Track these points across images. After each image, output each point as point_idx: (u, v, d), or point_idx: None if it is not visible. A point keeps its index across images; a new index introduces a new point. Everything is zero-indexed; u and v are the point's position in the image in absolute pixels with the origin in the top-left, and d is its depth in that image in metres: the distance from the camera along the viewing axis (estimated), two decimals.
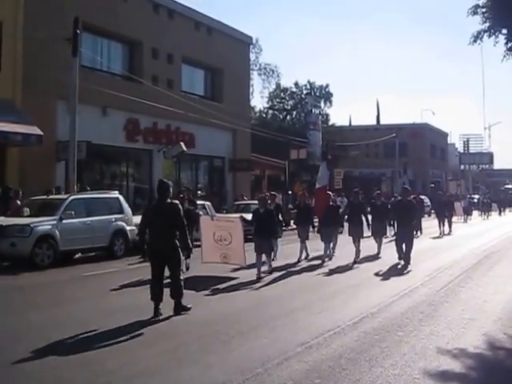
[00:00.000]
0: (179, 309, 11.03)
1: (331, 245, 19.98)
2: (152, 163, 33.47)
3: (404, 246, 18.14)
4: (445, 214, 32.42)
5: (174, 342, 9.07)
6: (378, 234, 20.94)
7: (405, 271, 16.99)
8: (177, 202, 11.79)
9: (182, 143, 33.29)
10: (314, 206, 20.82)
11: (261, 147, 44.62)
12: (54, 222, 18.91)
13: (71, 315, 11.17)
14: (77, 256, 20.44)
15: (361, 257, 19.41)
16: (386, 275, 16.26)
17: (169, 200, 11.47)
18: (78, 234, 19.35)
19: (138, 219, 22.54)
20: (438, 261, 19.15)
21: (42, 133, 24.29)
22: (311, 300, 12.56)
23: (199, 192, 35.77)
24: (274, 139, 45.62)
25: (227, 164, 39.71)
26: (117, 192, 22.86)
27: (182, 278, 11.35)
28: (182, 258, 11.87)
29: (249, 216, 17.16)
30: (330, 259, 19.35)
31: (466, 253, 21.90)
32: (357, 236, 19.65)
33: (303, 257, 19.71)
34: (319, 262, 18.98)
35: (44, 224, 18.70)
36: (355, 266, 18.33)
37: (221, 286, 14.32)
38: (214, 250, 16.55)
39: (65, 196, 20.98)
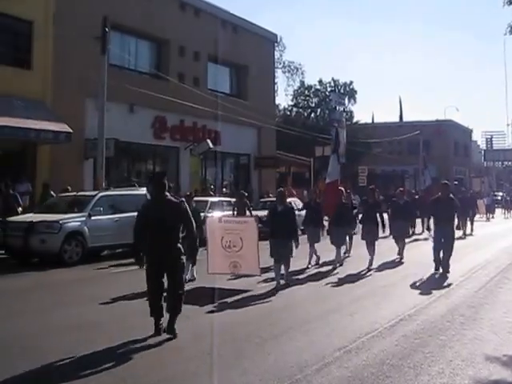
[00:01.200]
0: (172, 327, 8.91)
1: (344, 248, 18.08)
2: (179, 160, 33.15)
3: (442, 252, 15.46)
4: (468, 212, 28.36)
5: (205, 346, 8.53)
6: (401, 236, 18.84)
7: (437, 273, 16.23)
8: (181, 198, 10.06)
9: (208, 140, 32.91)
10: (324, 203, 18.22)
11: (286, 144, 44.09)
12: (83, 218, 18.56)
13: (100, 313, 10.72)
14: (104, 253, 20.06)
15: (381, 261, 17.39)
16: (417, 276, 15.25)
17: (168, 194, 9.24)
18: (106, 231, 18.94)
19: None
20: (470, 261, 18.02)
21: (71, 130, 24.09)
22: (341, 302, 11.95)
23: (224, 189, 35.34)
24: (299, 136, 45.10)
25: (253, 161, 39.24)
26: (145, 189, 22.46)
27: (184, 290, 9.27)
28: (187, 265, 10.23)
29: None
30: (341, 265, 16.79)
31: (496, 252, 20.92)
32: (370, 240, 17.01)
33: (313, 262, 17.12)
34: (331, 267, 16.65)
35: (73, 221, 18.36)
36: (369, 273, 15.75)
37: (231, 299, 12.08)
38: (222, 259, 13.61)
39: (93, 193, 20.66)
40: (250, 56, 37.86)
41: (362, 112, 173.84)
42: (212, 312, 10.76)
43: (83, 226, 18.39)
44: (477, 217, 33.40)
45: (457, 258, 17.41)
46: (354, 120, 65.94)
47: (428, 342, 8.71)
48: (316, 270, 16.48)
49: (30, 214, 19.59)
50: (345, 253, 18.63)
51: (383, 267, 16.81)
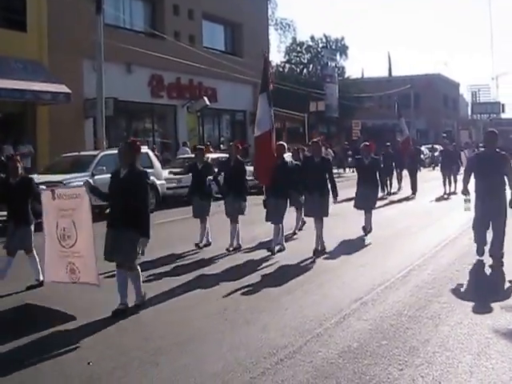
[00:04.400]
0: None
1: (282, 228, 12.19)
2: (176, 118, 32.80)
3: (492, 229, 10.29)
4: (451, 167, 23.92)
5: (221, 302, 8.35)
6: (366, 207, 14.12)
7: (440, 221, 16.08)
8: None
9: (205, 98, 32.48)
10: (255, 166, 13.07)
11: (280, 100, 43.43)
12: (86, 178, 18.22)
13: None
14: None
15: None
16: (418, 227, 15.19)
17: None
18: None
19: (166, 174, 22.36)
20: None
21: (69, 91, 23.63)
22: (350, 253, 11.77)
23: (221, 146, 34.98)
24: (292, 92, 44.58)
25: (248, 117, 38.76)
26: (146, 147, 22.17)
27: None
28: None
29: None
30: (274, 252, 11.69)
31: None
32: (367, 207, 13.98)
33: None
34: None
35: (76, 180, 18.03)
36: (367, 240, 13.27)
37: (243, 260, 11.21)
38: (57, 259, 8.78)
39: (95, 152, 20.35)
40: (243, 13, 37.14)
41: (353, 68, 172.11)
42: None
43: None
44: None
45: (446, 212, 17.27)
46: (346, 75, 65.19)
47: (442, 291, 8.54)
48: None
49: (34, 175, 19.25)
50: (294, 232, 14.43)
51: (388, 213, 16.79)
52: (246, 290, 8.92)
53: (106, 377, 5.72)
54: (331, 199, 12.06)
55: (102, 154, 19.55)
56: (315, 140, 12.91)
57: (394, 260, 10.93)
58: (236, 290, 8.87)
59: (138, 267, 8.10)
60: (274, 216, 11.88)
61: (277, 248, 11.81)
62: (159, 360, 6.13)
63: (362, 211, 14.10)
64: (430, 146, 52.45)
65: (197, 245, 12.59)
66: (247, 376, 5.61)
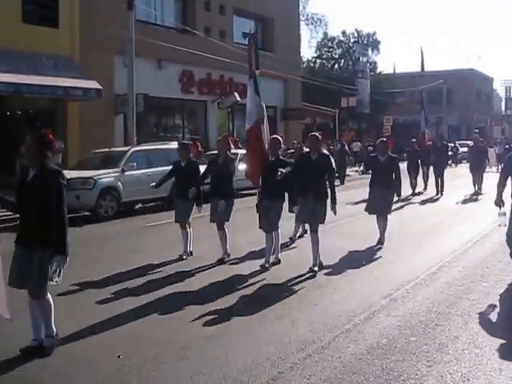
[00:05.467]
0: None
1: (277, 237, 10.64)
2: (207, 114, 32.93)
3: None
4: (478, 165, 22.20)
5: (250, 297, 8.43)
6: (381, 211, 12.38)
7: (469, 219, 16.00)
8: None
9: (235, 93, 32.56)
10: (247, 165, 11.36)
11: (311, 96, 43.53)
12: (117, 173, 18.47)
13: (142, 265, 10.59)
14: (137, 206, 19.98)
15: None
16: (447, 224, 15.14)
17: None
18: (139, 185, 18.76)
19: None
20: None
21: (100, 87, 23.85)
22: (378, 251, 11.71)
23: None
24: (323, 88, 44.54)
25: (279, 113, 38.88)
26: (176, 143, 22.33)
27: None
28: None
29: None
30: (274, 264, 10.34)
31: None
32: (381, 212, 12.31)
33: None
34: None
35: (107, 176, 18.28)
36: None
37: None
38: None
39: (126, 148, 20.56)
40: (274, 8, 37.16)
41: (385, 63, 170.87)
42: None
43: (117, 182, 18.32)
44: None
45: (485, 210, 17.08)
46: (378, 71, 64.90)
47: (472, 288, 8.53)
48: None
49: (65, 171, 19.49)
50: (291, 239, 12.69)
51: (417, 211, 16.69)
52: (276, 285, 8.97)
53: (136, 370, 5.81)
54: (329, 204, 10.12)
55: (133, 150, 19.77)
56: (314, 133, 10.63)
57: (424, 257, 10.90)
58: (266, 286, 8.92)
59: (49, 296, 6.34)
60: (266, 222, 10.33)
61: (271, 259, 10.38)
62: (188, 354, 6.21)
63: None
64: (460, 142, 51.82)
65: (181, 256, 11.19)
66: (275, 371, 5.67)
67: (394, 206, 15.38)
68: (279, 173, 9.79)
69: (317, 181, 9.99)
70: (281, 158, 10.62)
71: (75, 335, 6.85)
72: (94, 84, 23.79)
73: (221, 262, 10.73)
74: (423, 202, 20.37)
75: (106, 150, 20.31)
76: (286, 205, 10.53)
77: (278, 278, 9.37)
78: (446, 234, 13.63)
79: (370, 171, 13.43)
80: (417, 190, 22.68)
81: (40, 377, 5.76)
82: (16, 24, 22.36)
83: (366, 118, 56.02)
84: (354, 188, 23.42)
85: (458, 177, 27.41)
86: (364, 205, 12.86)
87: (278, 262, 10.47)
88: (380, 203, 12.19)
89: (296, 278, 9.41)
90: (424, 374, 5.50)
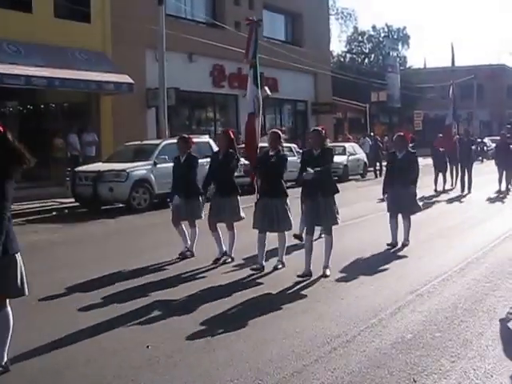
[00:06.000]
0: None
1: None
2: (238, 108, 33.02)
3: None
4: (505, 162, 21.19)
5: (275, 290, 8.44)
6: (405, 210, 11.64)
7: (497, 216, 15.87)
8: None
9: (266, 88, 32.50)
10: (247, 157, 11.57)
11: (341, 90, 43.42)
12: (149, 166, 18.67)
13: (171, 258, 10.70)
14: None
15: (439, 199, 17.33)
16: (475, 220, 15.07)
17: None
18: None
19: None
20: None
21: (132, 81, 24.07)
22: (406, 247, 11.62)
23: (283, 135, 35.07)
24: (354, 82, 44.41)
25: (310, 107, 38.89)
26: (207, 136, 22.53)
27: None
28: None
29: None
30: (276, 268, 9.69)
31: None
32: (407, 211, 11.60)
33: None
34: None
35: (139, 169, 18.49)
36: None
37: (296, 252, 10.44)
38: None
39: (158, 141, 20.74)
40: (304, 3, 37.16)
41: (415, 57, 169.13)
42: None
43: (149, 174, 18.53)
44: None
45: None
46: (408, 65, 64.40)
47: (499, 285, 8.48)
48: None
49: (98, 164, 19.80)
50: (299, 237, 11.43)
51: (443, 210, 16.52)
52: (302, 280, 8.97)
53: (164, 360, 5.90)
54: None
55: (165, 143, 19.89)
56: (316, 128, 9.92)
57: (452, 253, 10.86)
58: (292, 281, 8.97)
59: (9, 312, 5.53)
60: (261, 221, 9.57)
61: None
62: (216, 345, 6.29)
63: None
64: (491, 138, 51.21)
65: (182, 254, 10.79)
66: (300, 363, 5.72)
67: (423, 205, 15.35)
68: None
69: (323, 179, 9.13)
70: (281, 154, 9.71)
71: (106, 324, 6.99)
72: (125, 78, 24.02)
73: (218, 261, 10.26)
74: (450, 199, 19.98)
75: (138, 142, 20.51)
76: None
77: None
78: (474, 231, 13.55)
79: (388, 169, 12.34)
80: (445, 187, 22.15)
81: None
82: (49, 19, 22.66)
83: (397, 112, 55.65)
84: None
85: (486, 173, 27.03)
86: None
87: (278, 266, 9.71)
88: (403, 202, 11.41)
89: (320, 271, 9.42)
90: (447, 370, 5.52)
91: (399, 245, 11.43)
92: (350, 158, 29.19)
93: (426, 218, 14.25)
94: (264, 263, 9.59)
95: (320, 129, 9.62)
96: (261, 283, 8.88)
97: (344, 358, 5.84)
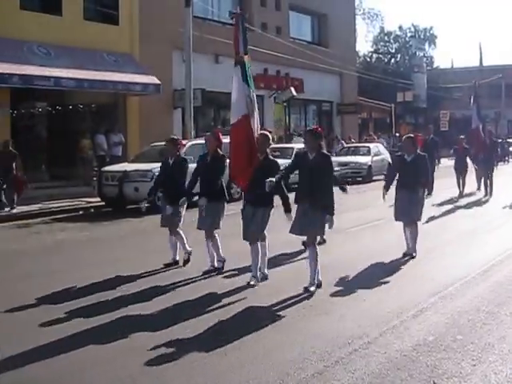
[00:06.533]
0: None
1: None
2: (263, 108, 32.94)
3: None
4: None
5: (298, 290, 8.37)
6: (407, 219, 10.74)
7: None
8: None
9: (291, 88, 32.65)
10: (233, 165, 9.38)
11: (367, 90, 43.34)
12: None
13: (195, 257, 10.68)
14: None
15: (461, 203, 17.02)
16: (499, 222, 14.95)
17: None
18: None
19: None
20: None
21: (159, 82, 24.21)
22: (429, 247, 11.56)
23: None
24: (380, 82, 44.28)
25: (335, 108, 38.83)
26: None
27: None
28: None
29: None
30: (258, 280, 8.82)
31: None
32: (408, 219, 10.64)
33: None
34: None
35: None
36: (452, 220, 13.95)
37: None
38: None
39: (184, 142, 20.78)
40: (330, 3, 37.07)
41: (442, 57, 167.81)
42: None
43: None
44: None
45: None
46: (434, 65, 64.02)
47: None
48: None
49: (125, 164, 19.95)
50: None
51: (466, 212, 16.32)
52: (325, 280, 8.90)
53: (182, 362, 5.95)
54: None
55: (190, 143, 19.98)
56: (309, 128, 9.15)
57: (476, 254, 10.78)
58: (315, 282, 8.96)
59: None
60: (250, 232, 8.83)
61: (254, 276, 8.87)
62: (239, 344, 6.34)
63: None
64: None
65: (168, 265, 10.09)
66: (321, 364, 5.74)
67: (445, 207, 15.22)
68: (268, 183, 8.21)
69: (314, 185, 8.27)
70: (270, 157, 8.97)
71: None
72: (152, 79, 24.18)
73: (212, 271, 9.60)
74: (471, 203, 19.08)
75: (164, 143, 20.55)
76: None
77: (331, 274, 9.37)
78: (498, 233, 13.43)
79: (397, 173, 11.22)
80: (467, 191, 20.72)
81: None
82: (78, 22, 22.91)
83: (423, 112, 55.34)
84: None
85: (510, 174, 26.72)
86: None
87: (265, 278, 8.97)
88: (407, 209, 10.49)
89: (347, 273, 9.40)
90: (468, 373, 5.49)
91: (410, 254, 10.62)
92: (375, 158, 29.02)
93: (448, 220, 14.19)
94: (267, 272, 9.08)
95: (313, 128, 8.70)
96: (281, 286, 8.85)
97: (365, 359, 5.85)
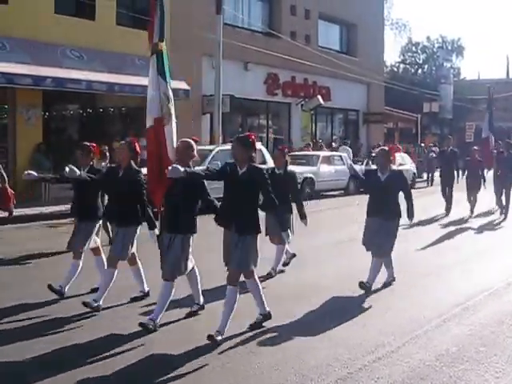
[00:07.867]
0: None
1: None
2: (290, 116, 33.08)
3: None
4: None
5: (323, 298, 8.42)
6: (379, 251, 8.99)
7: None
8: None
9: (319, 96, 32.62)
10: (148, 172, 7.77)
11: (393, 100, 43.12)
12: None
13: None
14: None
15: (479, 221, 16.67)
16: None
17: None
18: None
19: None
20: None
21: (189, 87, 24.34)
22: (454, 259, 11.56)
23: (333, 144, 34.88)
24: (406, 92, 44.05)
25: (361, 117, 38.73)
26: (260, 143, 22.66)
27: None
28: None
29: None
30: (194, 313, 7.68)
31: None
32: (378, 250, 8.91)
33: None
34: None
35: None
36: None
37: None
38: None
39: (211, 147, 20.94)
40: (359, 13, 36.97)
41: (470, 69, 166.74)
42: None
43: None
44: None
45: None
46: (461, 77, 63.61)
47: None
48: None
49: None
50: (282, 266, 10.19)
51: (483, 228, 16.01)
52: (352, 289, 8.88)
53: (211, 365, 5.99)
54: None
55: (218, 148, 20.10)
56: (238, 136, 7.22)
57: (500, 266, 10.73)
58: (338, 288, 8.97)
59: None
60: (168, 266, 7.13)
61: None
62: (262, 350, 6.37)
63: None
64: None
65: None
66: (345, 371, 5.75)
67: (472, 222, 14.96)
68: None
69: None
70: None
71: None
72: (182, 84, 24.28)
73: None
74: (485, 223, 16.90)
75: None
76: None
77: (349, 288, 9.36)
78: None
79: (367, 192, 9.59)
80: (481, 209, 18.38)
81: None
82: (111, 27, 23.13)
83: (449, 123, 54.97)
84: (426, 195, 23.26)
85: None
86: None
87: (201, 307, 7.68)
88: (377, 240, 8.80)
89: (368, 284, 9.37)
90: None
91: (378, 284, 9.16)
92: (398, 168, 28.85)
93: (471, 232, 14.16)
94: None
95: (244, 135, 7.10)
96: (305, 293, 8.89)
97: (388, 367, 5.85)
